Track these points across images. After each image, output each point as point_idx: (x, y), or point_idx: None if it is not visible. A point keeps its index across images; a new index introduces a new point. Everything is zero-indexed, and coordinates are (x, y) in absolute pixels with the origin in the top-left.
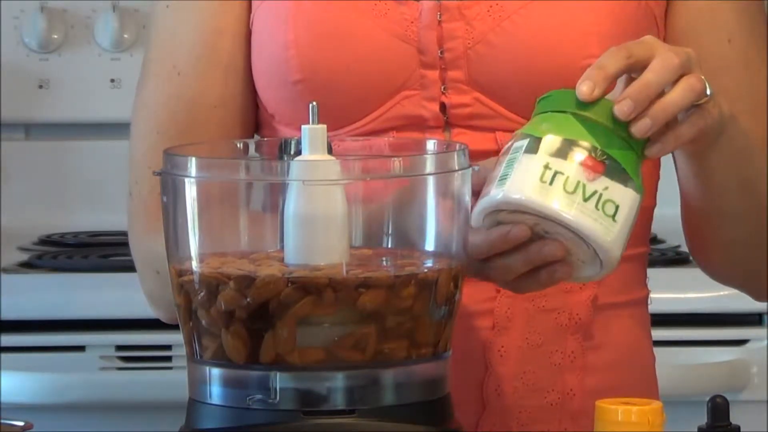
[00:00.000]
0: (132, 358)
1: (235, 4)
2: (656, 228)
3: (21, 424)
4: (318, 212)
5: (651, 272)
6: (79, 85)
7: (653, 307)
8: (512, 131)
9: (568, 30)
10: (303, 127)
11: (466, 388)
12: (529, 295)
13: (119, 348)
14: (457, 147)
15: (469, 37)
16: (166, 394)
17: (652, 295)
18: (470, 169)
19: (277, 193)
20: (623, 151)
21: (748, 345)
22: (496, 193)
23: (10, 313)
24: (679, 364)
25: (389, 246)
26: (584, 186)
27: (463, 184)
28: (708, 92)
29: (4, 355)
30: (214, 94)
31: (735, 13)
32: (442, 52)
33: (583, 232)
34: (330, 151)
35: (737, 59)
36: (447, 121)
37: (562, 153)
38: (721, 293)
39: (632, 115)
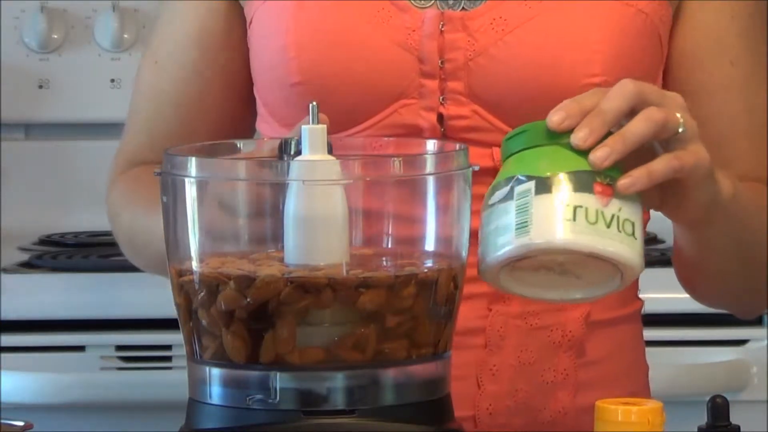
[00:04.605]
0: (132, 358)
1: (221, 5)
2: (656, 228)
3: (21, 424)
4: (318, 212)
5: (651, 272)
6: (79, 85)
7: (653, 308)
8: None
9: (571, 47)
10: (303, 126)
11: (459, 406)
12: (521, 313)
13: (119, 348)
14: (457, 147)
15: (470, 49)
16: (166, 394)
17: (652, 295)
18: (470, 169)
19: (277, 193)
20: (619, 167)
21: (748, 345)
22: (522, 242)
23: (10, 313)
24: (679, 364)
25: (389, 246)
26: (602, 213)
27: (463, 184)
28: (681, 128)
29: (4, 355)
30: (191, 93)
31: (739, 35)
32: (442, 63)
33: (616, 258)
34: (330, 151)
35: (738, 81)
36: (444, 132)
37: (572, 186)
38: None
39: (588, 140)
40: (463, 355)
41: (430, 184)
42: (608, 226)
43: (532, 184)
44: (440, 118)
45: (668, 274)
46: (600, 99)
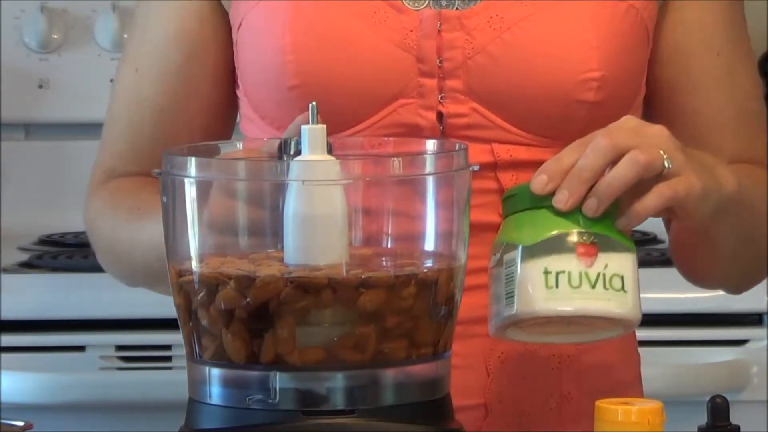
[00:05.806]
0: (132, 358)
1: (203, 5)
2: (656, 228)
3: (21, 424)
4: (318, 212)
5: (651, 272)
6: (79, 85)
7: (654, 308)
8: (508, 143)
9: (569, 44)
10: (303, 127)
11: (469, 394)
12: None
13: (119, 348)
14: (457, 146)
15: (468, 47)
16: (166, 394)
17: (653, 295)
18: (470, 168)
19: (276, 193)
20: (604, 221)
21: (748, 345)
22: (510, 312)
23: (10, 313)
24: (679, 364)
25: (389, 246)
26: (586, 274)
27: (463, 183)
28: (666, 165)
29: (4, 355)
30: (174, 97)
31: (723, 27)
32: (440, 62)
33: (604, 316)
34: (330, 151)
35: (724, 71)
36: (443, 131)
37: (554, 251)
38: (721, 293)
39: (568, 203)
40: (471, 344)
41: (430, 183)
42: (593, 287)
43: (517, 253)
44: (439, 116)
45: (668, 274)
46: (579, 155)
